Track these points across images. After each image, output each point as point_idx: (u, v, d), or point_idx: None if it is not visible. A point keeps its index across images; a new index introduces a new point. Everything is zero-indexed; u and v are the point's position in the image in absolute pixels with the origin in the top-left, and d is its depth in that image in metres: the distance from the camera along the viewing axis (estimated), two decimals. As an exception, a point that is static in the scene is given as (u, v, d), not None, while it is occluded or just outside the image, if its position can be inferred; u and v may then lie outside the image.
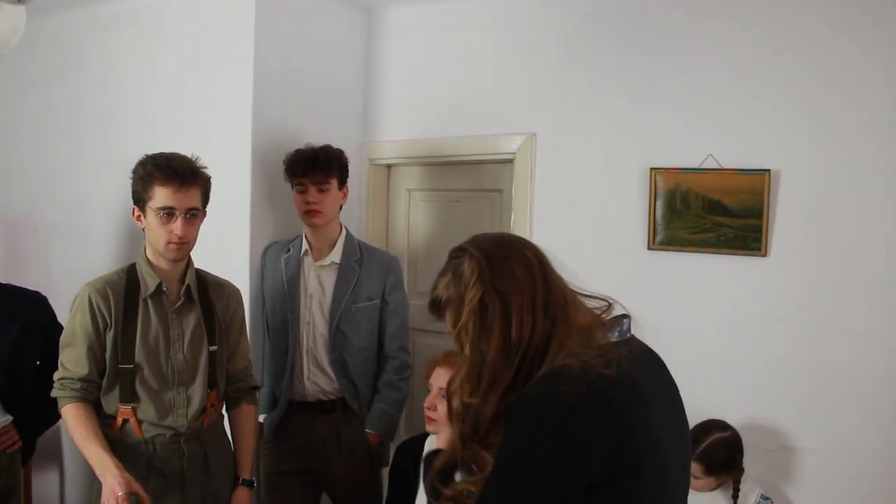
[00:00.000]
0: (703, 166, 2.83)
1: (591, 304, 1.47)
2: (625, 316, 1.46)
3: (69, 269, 3.80)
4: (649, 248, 2.98)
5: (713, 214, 2.82)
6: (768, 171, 2.71)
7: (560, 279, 1.47)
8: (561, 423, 1.28)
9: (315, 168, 2.95)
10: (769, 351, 2.80)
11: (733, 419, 2.75)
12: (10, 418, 2.83)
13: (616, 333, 1.43)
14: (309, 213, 2.97)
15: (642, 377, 1.37)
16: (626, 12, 3.04)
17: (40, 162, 4.02)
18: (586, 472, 1.28)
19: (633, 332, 1.48)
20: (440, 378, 2.30)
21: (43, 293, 3.06)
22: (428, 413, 2.30)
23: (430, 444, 2.40)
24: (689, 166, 2.86)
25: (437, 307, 1.53)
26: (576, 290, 1.48)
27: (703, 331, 2.89)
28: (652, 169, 2.92)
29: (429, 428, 2.35)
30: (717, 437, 2.66)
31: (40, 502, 3.57)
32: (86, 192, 3.78)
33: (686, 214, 2.88)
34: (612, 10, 3.07)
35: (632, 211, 3.03)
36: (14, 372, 2.81)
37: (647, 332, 1.52)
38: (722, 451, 2.65)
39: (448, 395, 1.54)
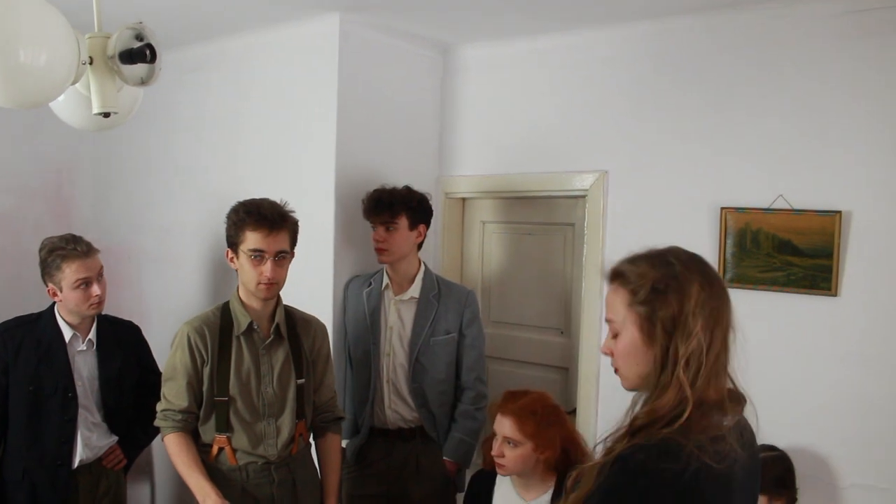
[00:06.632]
0: (773, 207, 2.86)
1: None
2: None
3: (161, 295, 4.03)
4: (719, 286, 3.00)
5: (783, 254, 2.85)
6: (839, 212, 2.73)
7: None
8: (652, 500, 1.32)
9: (379, 208, 3.11)
10: (840, 390, 2.79)
11: (804, 456, 2.77)
12: (115, 438, 3.07)
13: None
14: (377, 251, 3.14)
15: (740, 473, 1.41)
16: (697, 54, 3.07)
17: (135, 194, 4.24)
18: None
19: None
20: (503, 426, 2.40)
21: (137, 319, 3.30)
22: (498, 461, 2.40)
23: (502, 481, 2.50)
24: (759, 206, 2.90)
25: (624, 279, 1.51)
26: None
27: (772, 368, 2.89)
28: (723, 208, 2.96)
29: (501, 472, 2.44)
30: (764, 455, 2.67)
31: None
32: (174, 222, 4.01)
33: (756, 253, 2.91)
34: (682, 52, 3.10)
35: (702, 249, 2.85)
36: (119, 395, 3.05)
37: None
38: (772, 468, 2.62)
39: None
